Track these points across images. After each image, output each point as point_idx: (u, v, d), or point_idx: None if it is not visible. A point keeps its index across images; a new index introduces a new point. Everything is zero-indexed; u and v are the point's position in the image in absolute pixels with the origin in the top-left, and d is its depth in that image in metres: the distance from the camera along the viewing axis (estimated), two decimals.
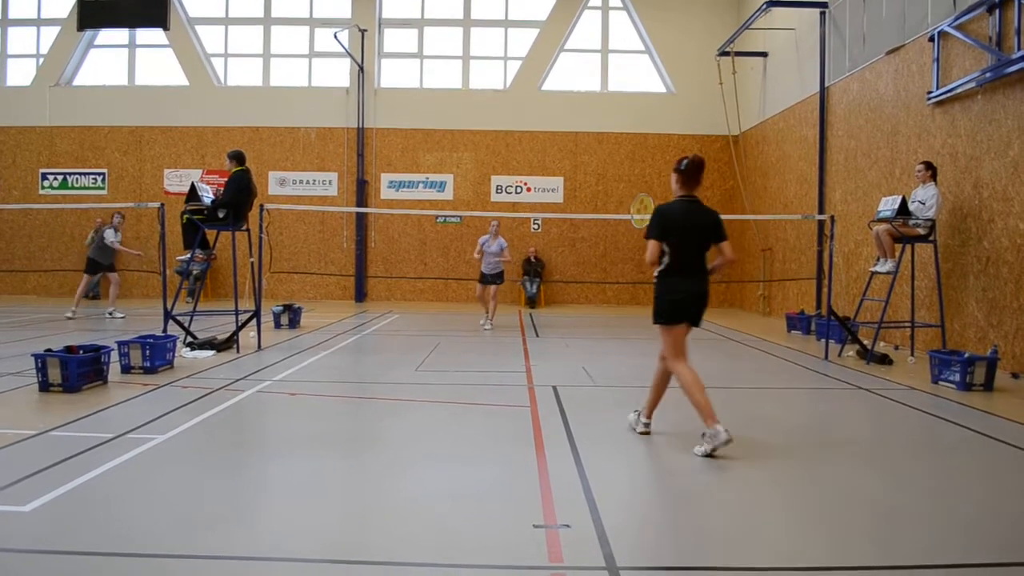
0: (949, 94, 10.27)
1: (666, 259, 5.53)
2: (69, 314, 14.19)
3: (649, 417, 5.90)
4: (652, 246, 5.53)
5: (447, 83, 20.90)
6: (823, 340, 10.79)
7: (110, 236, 14.54)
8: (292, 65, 20.97)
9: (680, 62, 20.28)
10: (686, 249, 5.52)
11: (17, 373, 7.92)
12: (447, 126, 20.52)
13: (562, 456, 5.20)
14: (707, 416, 5.27)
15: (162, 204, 10.38)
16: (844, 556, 3.65)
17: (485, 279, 13.92)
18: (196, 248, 10.45)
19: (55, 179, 20.53)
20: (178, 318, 9.90)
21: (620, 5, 20.68)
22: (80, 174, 20.53)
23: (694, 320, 5.63)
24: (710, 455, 5.20)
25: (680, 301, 5.54)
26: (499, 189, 20.45)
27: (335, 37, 19.49)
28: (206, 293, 18.65)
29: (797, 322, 13.57)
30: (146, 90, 20.72)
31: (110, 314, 14.48)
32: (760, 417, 6.79)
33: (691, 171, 5.61)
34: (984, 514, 4.29)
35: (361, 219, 20.33)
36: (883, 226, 9.99)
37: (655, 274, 5.62)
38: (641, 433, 5.83)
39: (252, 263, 10.99)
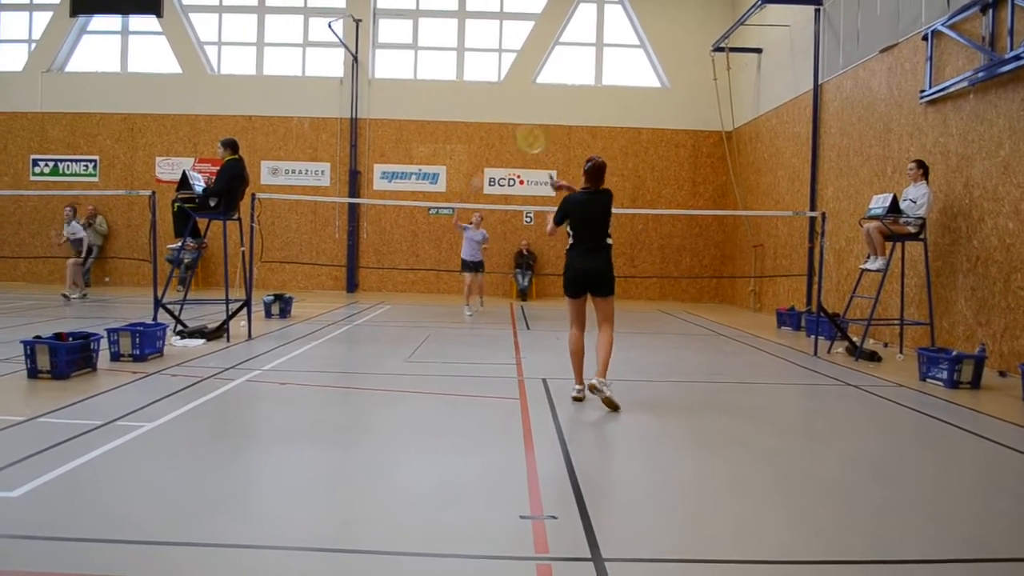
0: (942, 93, 10.31)
1: (569, 240, 6.74)
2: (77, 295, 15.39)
3: (581, 383, 6.74)
4: (551, 227, 6.94)
5: (441, 75, 20.85)
6: (813, 336, 10.84)
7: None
8: (286, 54, 20.89)
9: (675, 57, 20.28)
10: (584, 232, 6.68)
11: (6, 360, 7.89)
12: (441, 118, 20.49)
13: (550, 448, 5.22)
14: (576, 376, 6.72)
15: (153, 192, 10.34)
16: (832, 550, 3.68)
17: (467, 266, 15.03)
18: (187, 236, 10.42)
19: (46, 165, 20.42)
20: (168, 306, 9.88)
21: None
22: (71, 161, 20.42)
23: (590, 291, 6.68)
24: (576, 399, 6.62)
25: (575, 279, 6.68)
26: (492, 181, 20.44)
27: (329, 27, 19.41)
28: (197, 282, 18.59)
29: (787, 318, 13.62)
30: (139, 77, 20.61)
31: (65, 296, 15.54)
32: (749, 412, 6.82)
33: (591, 173, 6.86)
34: (971, 511, 4.32)
35: (353, 209, 20.30)
36: (874, 224, 10.03)
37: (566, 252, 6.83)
38: (575, 397, 6.68)
39: (243, 252, 10.96)
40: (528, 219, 20.36)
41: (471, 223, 15.18)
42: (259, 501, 4.19)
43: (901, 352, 10.22)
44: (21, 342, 7.18)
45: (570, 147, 20.44)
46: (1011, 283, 8.94)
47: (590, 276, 6.62)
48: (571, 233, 6.74)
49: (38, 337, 7.24)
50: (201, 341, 9.63)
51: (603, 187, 6.88)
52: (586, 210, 6.72)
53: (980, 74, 9.47)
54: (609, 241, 6.78)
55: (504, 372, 8.36)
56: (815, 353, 10.31)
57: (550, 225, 6.93)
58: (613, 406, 6.30)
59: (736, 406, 7.04)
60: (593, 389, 6.27)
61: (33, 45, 20.69)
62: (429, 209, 20.24)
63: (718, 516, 4.15)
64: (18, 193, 19.72)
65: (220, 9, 20.81)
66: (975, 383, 7.93)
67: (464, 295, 15.23)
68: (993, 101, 9.39)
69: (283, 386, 7.26)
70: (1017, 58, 8.73)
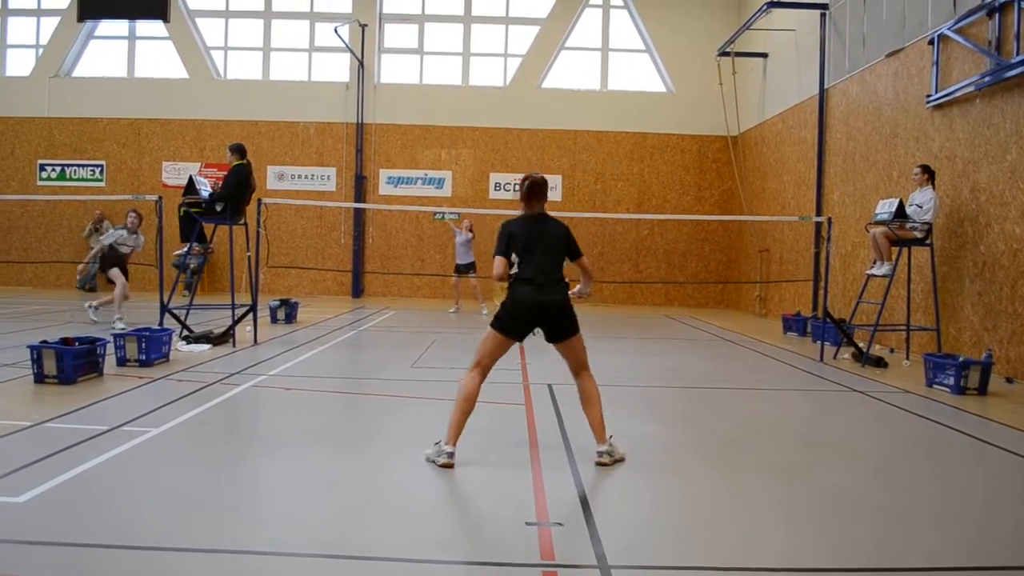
0: (948, 98, 10.29)
1: (514, 270, 5.20)
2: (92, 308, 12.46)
3: (453, 444, 4.98)
4: (498, 262, 5.18)
5: (447, 79, 20.88)
6: (819, 342, 10.81)
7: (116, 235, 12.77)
8: (292, 59, 20.93)
9: (680, 62, 20.27)
10: (528, 263, 5.16)
11: (12, 364, 7.91)
12: (446, 123, 20.50)
13: (556, 454, 5.22)
14: (451, 434, 4.95)
15: (160, 197, 10.35)
16: (839, 558, 3.67)
17: (459, 269, 16.44)
18: (193, 241, 10.45)
19: (53, 170, 20.49)
20: (174, 311, 9.90)
21: (621, 4, 20.66)
22: (78, 165, 20.49)
23: (524, 333, 5.26)
24: (430, 460, 4.92)
25: (511, 310, 5.15)
26: (497, 186, 20.45)
27: (335, 32, 19.46)
28: (203, 287, 18.62)
29: (793, 324, 13.59)
30: (145, 82, 20.68)
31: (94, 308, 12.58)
32: (754, 418, 6.80)
33: (530, 191, 5.38)
34: (979, 518, 4.30)
35: (359, 215, 20.32)
36: (880, 229, 10.01)
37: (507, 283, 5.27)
38: (441, 464, 4.89)
39: (249, 257, 10.99)
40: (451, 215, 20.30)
41: (461, 228, 16.65)
42: (264, 506, 4.19)
43: (907, 358, 10.18)
44: (28, 347, 7.20)
45: (575, 152, 20.43)
46: (1018, 288, 8.91)
47: (535, 311, 5.14)
48: (515, 262, 5.20)
49: (45, 342, 7.25)
50: (207, 346, 9.64)
51: (552, 218, 5.49)
52: (531, 237, 5.25)
53: (987, 79, 9.44)
54: (567, 280, 5.33)
55: (509, 378, 8.35)
56: (821, 359, 10.28)
57: (496, 265, 5.20)
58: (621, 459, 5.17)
59: (742, 412, 7.02)
60: (600, 464, 5.02)
61: (40, 50, 20.77)
62: (435, 214, 20.24)
63: (723, 523, 4.13)
64: (25, 198, 19.79)
65: (226, 14, 20.88)
66: (982, 389, 7.90)
67: (455, 297, 16.82)
68: (1000, 106, 9.36)
69: (288, 391, 7.27)
70: None
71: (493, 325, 5.19)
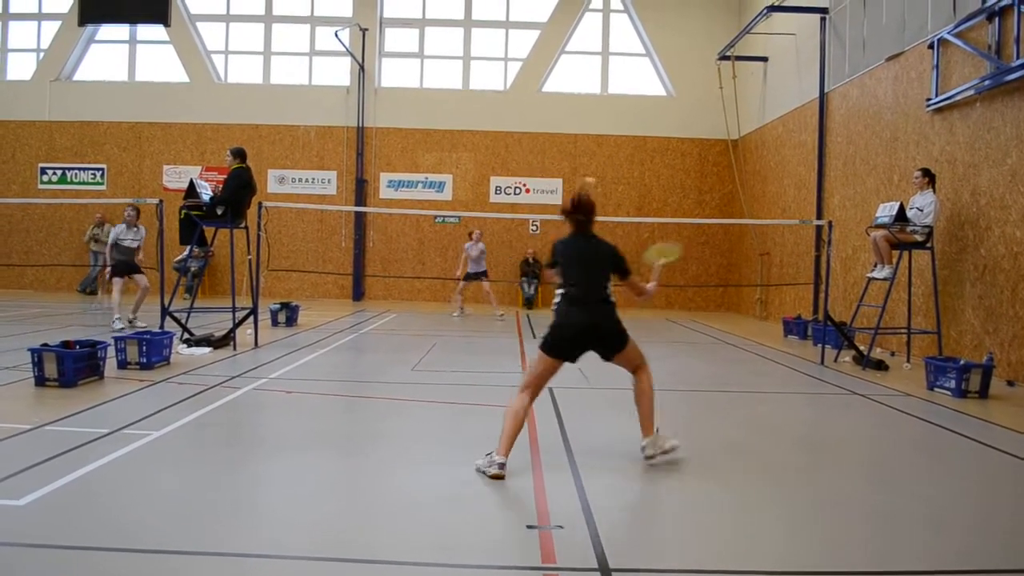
0: (948, 101, 10.30)
1: (560, 289, 5.22)
2: (128, 321, 12.08)
3: (505, 455, 4.86)
4: (548, 274, 5.39)
5: (447, 83, 20.90)
6: (819, 345, 10.81)
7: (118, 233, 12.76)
8: (293, 63, 20.96)
9: (680, 66, 20.29)
10: (574, 281, 5.15)
11: (13, 367, 7.92)
12: (447, 126, 20.52)
13: (556, 458, 5.21)
14: (504, 446, 4.85)
15: (161, 200, 10.36)
16: (839, 561, 3.67)
17: (470, 276, 16.33)
18: (194, 245, 10.45)
19: (54, 174, 20.51)
20: (175, 314, 9.90)
21: (621, 8, 20.70)
22: (79, 169, 20.51)
23: (575, 354, 5.17)
24: (481, 471, 4.80)
25: (558, 331, 5.10)
26: (498, 190, 20.46)
27: (336, 36, 19.49)
28: (203, 290, 18.64)
29: (794, 327, 13.58)
30: (146, 86, 20.71)
31: (131, 322, 12.13)
32: (755, 421, 6.80)
33: (575, 210, 5.38)
34: (979, 521, 4.30)
35: (360, 218, 20.33)
36: (881, 232, 10.01)
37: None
38: (491, 475, 4.78)
39: (250, 260, 10.99)
40: (534, 228, 20.36)
41: (471, 241, 16.39)
42: (265, 509, 4.19)
43: (908, 361, 10.18)
44: (28, 350, 7.20)
45: (576, 156, 20.45)
46: (1019, 292, 8.91)
47: (584, 331, 5.09)
48: (561, 281, 5.25)
49: (45, 345, 7.26)
50: (208, 349, 9.64)
51: (599, 239, 5.40)
52: (573, 256, 5.28)
53: (987, 82, 9.45)
54: (612, 299, 5.23)
55: (510, 381, 8.33)
56: (822, 362, 10.27)
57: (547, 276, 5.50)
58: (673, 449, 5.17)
59: (742, 415, 7.02)
60: (648, 459, 5.08)
61: (41, 54, 20.81)
62: (435, 217, 20.26)
63: (724, 526, 4.13)
64: (26, 201, 19.80)
65: (227, 18, 20.91)
66: (983, 392, 7.90)
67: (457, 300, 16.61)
68: (1000, 109, 9.37)
69: (289, 394, 7.27)
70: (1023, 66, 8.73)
71: (541, 347, 5.13)
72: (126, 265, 12.55)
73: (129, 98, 20.53)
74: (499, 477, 4.71)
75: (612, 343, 5.21)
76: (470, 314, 16.41)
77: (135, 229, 12.68)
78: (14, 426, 5.52)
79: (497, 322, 15.22)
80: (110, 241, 12.73)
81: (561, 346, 5.09)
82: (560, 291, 5.21)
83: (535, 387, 5.14)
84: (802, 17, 15.25)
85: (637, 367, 5.39)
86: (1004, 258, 9.19)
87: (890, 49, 11.99)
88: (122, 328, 11.53)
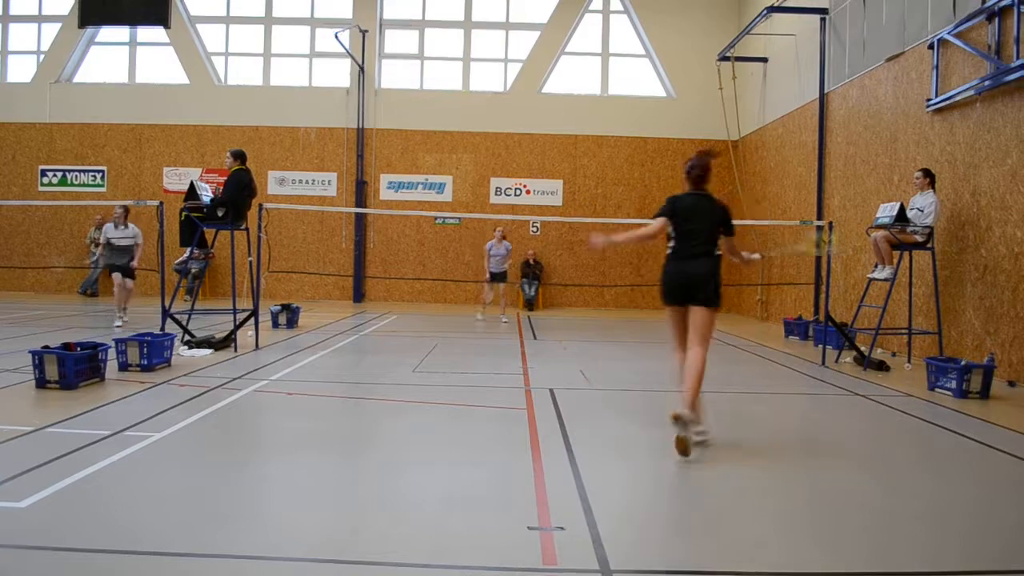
0: (948, 102, 10.30)
1: (671, 243, 5.83)
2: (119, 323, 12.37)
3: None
4: (658, 222, 5.83)
5: (447, 85, 20.91)
6: (820, 346, 10.81)
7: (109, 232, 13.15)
8: (292, 65, 20.98)
9: (681, 66, 20.30)
10: (685, 235, 5.75)
11: (14, 370, 7.92)
12: (447, 127, 20.53)
13: (557, 459, 5.21)
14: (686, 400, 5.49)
15: (161, 202, 10.37)
16: (841, 562, 3.66)
17: (495, 277, 15.62)
18: (194, 246, 10.45)
19: (54, 176, 20.52)
20: (176, 316, 9.90)
21: (621, 9, 20.71)
22: (79, 171, 20.53)
23: (683, 301, 5.77)
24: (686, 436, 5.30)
25: (667, 283, 5.85)
26: (498, 191, 20.47)
27: (336, 37, 19.50)
28: (204, 292, 18.65)
29: (795, 327, 13.58)
30: (146, 88, 20.72)
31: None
32: (756, 422, 6.80)
33: (694, 173, 5.92)
34: (980, 522, 4.30)
35: (360, 219, 20.34)
36: (881, 233, 10.01)
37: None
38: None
39: (250, 262, 10.99)
40: (535, 229, 20.36)
41: (493, 239, 15.71)
42: (266, 511, 4.19)
43: (909, 362, 10.18)
44: (29, 352, 7.20)
45: (576, 157, 20.46)
46: (1019, 292, 8.90)
47: (690, 280, 5.69)
48: (672, 236, 5.83)
49: (46, 347, 7.26)
50: (208, 351, 9.64)
51: (714, 199, 5.92)
52: (691, 211, 5.80)
53: (987, 82, 9.45)
54: (717, 252, 5.82)
55: (511, 382, 8.36)
56: (823, 363, 10.27)
57: (652, 224, 5.91)
58: (683, 449, 5.25)
59: (743, 416, 7.02)
60: (676, 419, 5.29)
61: (42, 56, 20.83)
62: (435, 219, 20.27)
63: (725, 526, 4.13)
64: (27, 203, 19.82)
65: (227, 20, 20.93)
66: (984, 393, 7.89)
67: (483, 302, 16.06)
68: (1000, 109, 9.37)
69: (290, 396, 7.27)
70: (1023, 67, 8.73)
71: (662, 300, 5.94)
72: (114, 265, 13.01)
73: (129, 100, 20.54)
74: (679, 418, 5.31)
75: (700, 292, 5.67)
76: (481, 320, 15.74)
77: (124, 227, 13.04)
78: (15, 428, 5.53)
79: (501, 324, 15.15)
80: (102, 240, 13.33)
81: (671, 294, 5.84)
82: (670, 244, 5.85)
83: (678, 341, 5.92)
84: (802, 18, 15.26)
85: (699, 339, 5.72)
86: (1005, 258, 9.19)
87: (890, 49, 11.99)
88: (120, 326, 11.99)
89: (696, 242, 5.73)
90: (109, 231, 13.05)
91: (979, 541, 3.99)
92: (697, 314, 5.68)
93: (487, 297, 15.97)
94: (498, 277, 15.67)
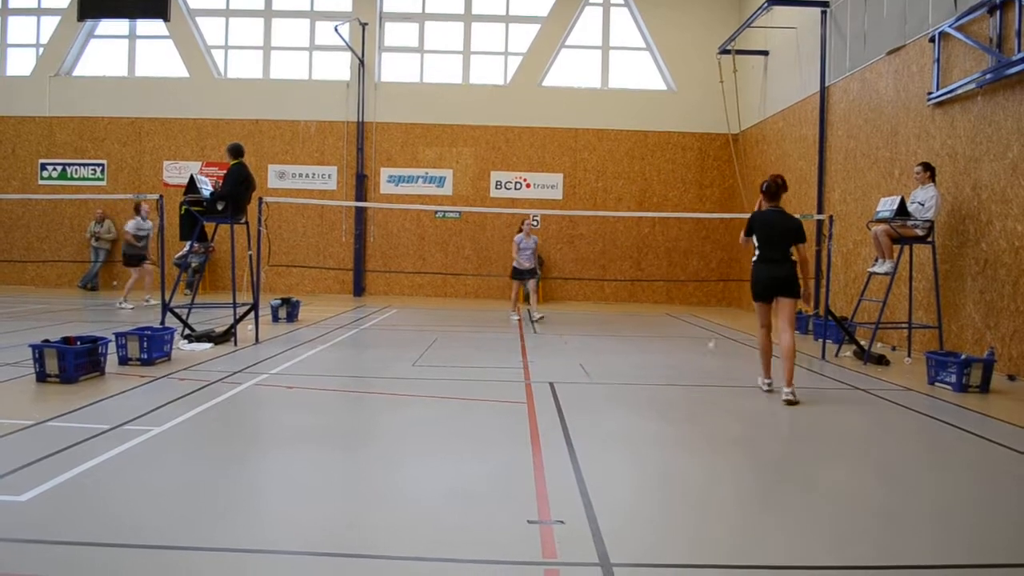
0: (949, 95, 10.28)
1: (756, 252, 7.52)
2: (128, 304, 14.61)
3: (768, 377, 7.74)
4: (744, 240, 7.76)
5: (447, 78, 20.87)
6: (820, 340, 10.81)
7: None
8: (292, 58, 20.93)
9: (681, 60, 20.26)
10: (766, 244, 7.41)
11: (14, 363, 7.92)
12: (447, 121, 20.50)
13: (558, 452, 5.21)
14: (764, 371, 7.72)
15: (161, 196, 10.36)
16: (841, 555, 3.66)
17: (524, 274, 14.56)
18: (194, 240, 10.45)
19: (54, 169, 20.50)
20: (176, 310, 9.90)
21: (621, 2, 20.65)
22: (79, 164, 20.50)
23: (769, 298, 7.45)
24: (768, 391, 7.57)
25: (755, 284, 7.55)
26: (498, 185, 20.45)
27: (336, 30, 19.45)
28: (204, 286, 18.64)
29: (795, 321, 13.55)
30: (146, 81, 20.68)
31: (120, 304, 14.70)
32: (756, 416, 6.80)
33: (770, 190, 7.51)
34: (981, 515, 4.30)
35: (360, 213, 20.33)
36: (881, 227, 10.00)
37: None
38: (765, 391, 7.65)
39: (250, 256, 10.99)
40: (535, 223, 20.35)
41: (522, 232, 14.56)
42: (266, 505, 4.19)
43: (909, 356, 10.18)
44: (30, 346, 7.21)
45: (576, 150, 20.43)
46: (1020, 286, 8.90)
47: (774, 282, 7.35)
48: (755, 245, 7.53)
49: (46, 341, 7.26)
50: (208, 345, 9.64)
51: (779, 208, 7.58)
52: (769, 225, 7.45)
53: (988, 76, 9.43)
54: (793, 258, 7.37)
55: (511, 376, 8.36)
56: (823, 357, 10.28)
57: (742, 240, 7.85)
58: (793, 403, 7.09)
59: (743, 410, 7.02)
60: (788, 404, 7.09)
61: (41, 50, 20.78)
62: (436, 212, 20.26)
63: (726, 520, 4.13)
64: (26, 197, 19.80)
65: (227, 13, 20.88)
66: (984, 387, 7.90)
67: (512, 301, 14.81)
68: (1001, 103, 9.35)
69: (290, 390, 7.27)
70: None
71: (753, 298, 7.68)
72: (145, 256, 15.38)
73: (129, 93, 20.50)
74: (770, 391, 7.57)
75: (785, 288, 7.29)
76: (517, 319, 14.45)
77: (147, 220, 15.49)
78: (15, 422, 5.53)
79: (533, 321, 14.45)
80: (140, 233, 15.48)
81: (758, 292, 7.51)
82: (756, 252, 7.54)
83: (765, 324, 7.62)
84: (803, 11, 15.23)
85: (791, 323, 7.36)
86: (1005, 252, 9.18)
87: (891, 43, 11.96)
88: (125, 306, 14.42)
89: (775, 249, 7.36)
90: (142, 224, 15.40)
91: (981, 535, 4.00)
92: (787, 305, 7.30)
93: (518, 297, 14.71)
94: (529, 273, 14.57)
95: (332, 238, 20.56)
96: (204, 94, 20.43)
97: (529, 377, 8.28)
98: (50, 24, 20.79)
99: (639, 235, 20.26)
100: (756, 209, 7.74)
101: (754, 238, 7.51)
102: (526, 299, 15.13)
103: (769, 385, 7.59)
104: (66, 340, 7.34)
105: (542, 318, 14.77)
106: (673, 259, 20.34)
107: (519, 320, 14.37)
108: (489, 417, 6.45)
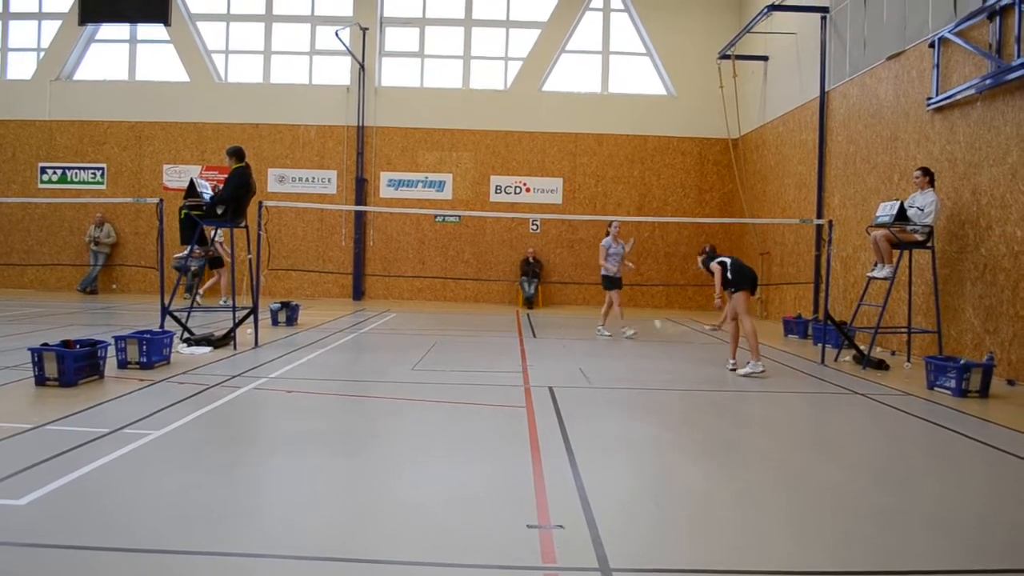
0: (949, 100, 10.29)
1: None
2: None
3: (734, 358, 9.52)
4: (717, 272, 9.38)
5: (447, 83, 20.89)
6: (820, 344, 10.81)
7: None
8: (293, 62, 20.96)
9: (681, 65, 20.29)
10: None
11: (14, 367, 7.92)
12: (447, 125, 20.51)
13: (557, 457, 5.21)
14: (752, 353, 9.07)
15: (161, 200, 10.36)
16: (841, 561, 3.66)
17: (616, 282, 12.99)
18: (194, 244, 10.45)
19: (54, 173, 20.51)
20: (175, 314, 9.90)
21: (621, 7, 20.69)
22: (79, 168, 20.51)
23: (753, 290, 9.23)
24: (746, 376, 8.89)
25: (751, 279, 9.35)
26: (498, 189, 20.45)
27: (336, 35, 19.48)
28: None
29: (794, 326, 13.58)
30: (146, 85, 20.70)
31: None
32: (755, 420, 6.80)
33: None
34: (981, 520, 4.30)
35: (360, 217, 20.33)
36: (881, 232, 10.01)
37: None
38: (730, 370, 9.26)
39: (250, 260, 10.98)
40: (535, 227, 20.36)
41: (609, 236, 13.10)
42: (266, 509, 4.18)
43: (909, 360, 10.18)
44: (29, 349, 7.21)
45: (576, 155, 20.45)
46: (1019, 291, 8.90)
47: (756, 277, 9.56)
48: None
49: (46, 344, 7.26)
50: (208, 349, 9.64)
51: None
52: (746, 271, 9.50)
53: (987, 81, 9.45)
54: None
55: (511, 380, 8.35)
56: (822, 361, 10.27)
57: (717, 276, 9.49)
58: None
59: (742, 415, 7.02)
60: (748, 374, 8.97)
61: (42, 54, 20.80)
62: (435, 217, 20.27)
63: (725, 525, 4.13)
64: (26, 201, 19.81)
65: (227, 18, 20.91)
66: (983, 392, 7.89)
67: (603, 314, 13.21)
68: (1000, 108, 9.37)
69: (290, 394, 7.27)
70: None
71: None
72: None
73: (129, 97, 20.52)
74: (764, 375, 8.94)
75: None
76: (608, 336, 12.84)
77: None
78: (14, 426, 5.53)
79: (625, 338, 12.64)
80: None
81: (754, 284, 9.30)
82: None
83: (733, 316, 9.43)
84: (803, 16, 15.25)
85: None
86: (1004, 257, 9.18)
87: (891, 48, 11.98)
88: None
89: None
90: None
91: (980, 540, 3.99)
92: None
93: (618, 311, 12.91)
94: (617, 282, 13.01)
95: (332, 242, 20.57)
96: (204, 98, 20.45)
97: (528, 381, 8.27)
98: (51, 28, 20.82)
99: (638, 240, 20.20)
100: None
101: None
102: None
103: (762, 370, 9.05)
104: (65, 343, 7.33)
105: (635, 333, 12.90)
106: (672, 264, 20.34)
107: (609, 336, 12.75)
108: (488, 421, 6.45)
